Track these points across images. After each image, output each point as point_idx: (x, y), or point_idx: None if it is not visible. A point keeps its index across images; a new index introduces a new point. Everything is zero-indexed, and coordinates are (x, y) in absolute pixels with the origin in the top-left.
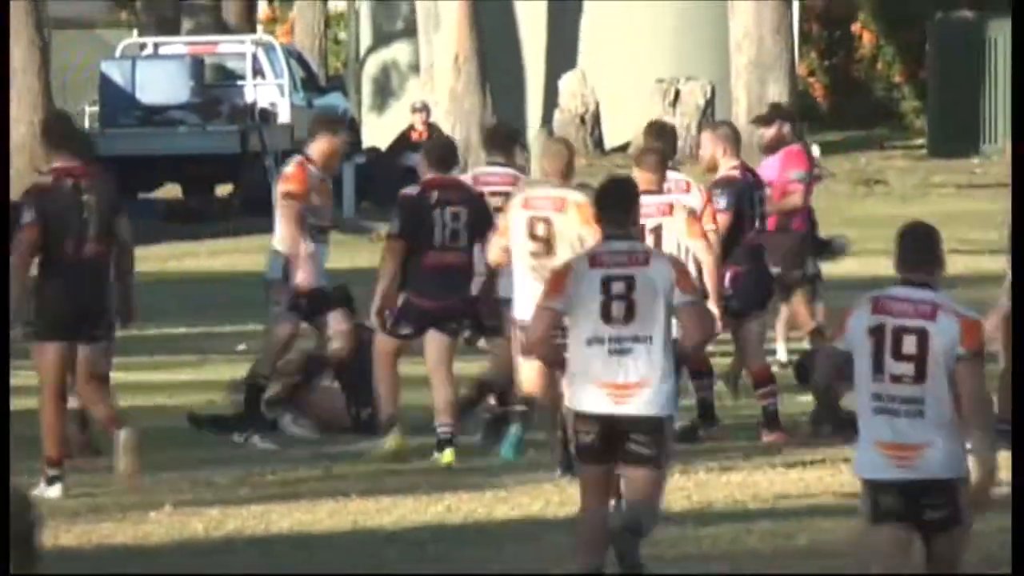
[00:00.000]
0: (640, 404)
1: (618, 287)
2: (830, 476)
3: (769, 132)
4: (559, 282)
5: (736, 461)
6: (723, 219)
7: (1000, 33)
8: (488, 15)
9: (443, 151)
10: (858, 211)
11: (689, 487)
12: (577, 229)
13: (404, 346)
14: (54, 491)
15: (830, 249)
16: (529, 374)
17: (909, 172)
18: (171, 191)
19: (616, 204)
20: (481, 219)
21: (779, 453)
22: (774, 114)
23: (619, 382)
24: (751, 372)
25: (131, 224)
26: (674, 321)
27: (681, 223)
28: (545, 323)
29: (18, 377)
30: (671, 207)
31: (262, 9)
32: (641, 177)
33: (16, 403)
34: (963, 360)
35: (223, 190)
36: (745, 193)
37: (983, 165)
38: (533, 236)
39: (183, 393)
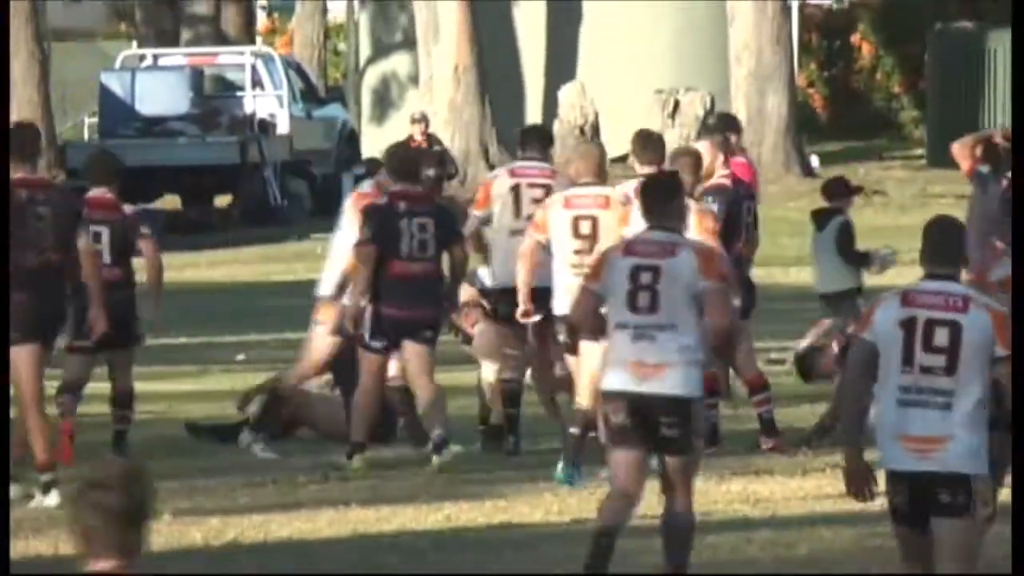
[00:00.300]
0: (664, 384)
1: (645, 277)
2: (830, 485)
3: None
4: (597, 267)
5: (735, 470)
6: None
7: (999, 44)
8: (487, 26)
9: (405, 162)
10: (857, 221)
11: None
12: (617, 227)
13: (386, 362)
14: (52, 498)
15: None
16: (585, 380)
17: (908, 182)
18: (170, 202)
19: (659, 198)
20: (448, 230)
21: (778, 462)
22: (721, 125)
23: (642, 361)
24: (745, 381)
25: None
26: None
27: (693, 223)
28: (585, 302)
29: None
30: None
31: (261, 20)
32: None
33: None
34: (1004, 361)
35: (222, 201)
36: (735, 202)
37: None
38: (578, 234)
39: (183, 403)
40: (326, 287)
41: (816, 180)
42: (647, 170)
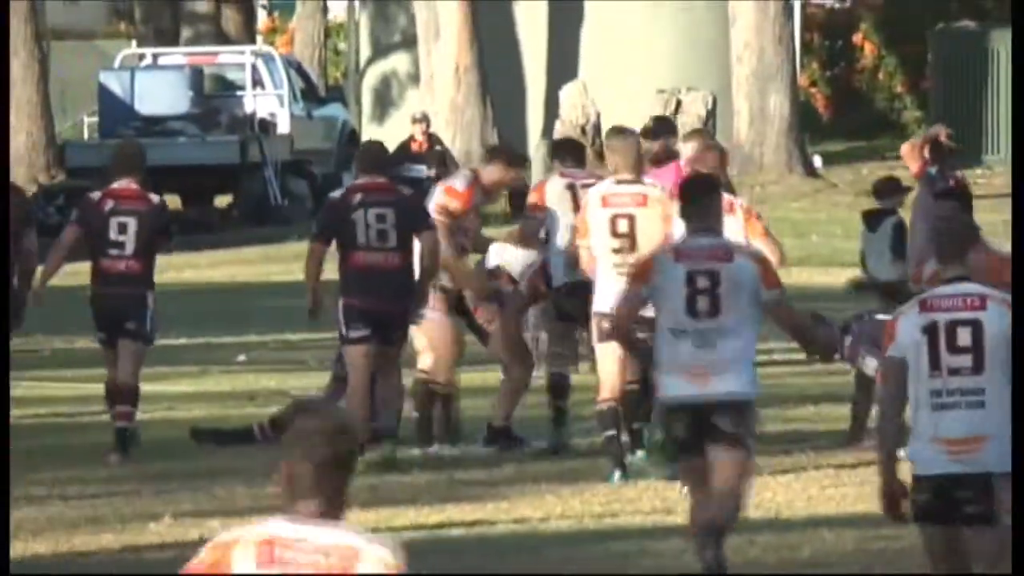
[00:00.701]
0: (721, 385)
1: (703, 282)
2: (833, 487)
3: (656, 146)
4: (644, 271)
5: None
6: None
7: (1002, 44)
8: (488, 25)
9: (373, 156)
10: (859, 221)
11: None
12: (659, 224)
13: (370, 352)
14: None
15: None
16: (607, 361)
17: (911, 182)
18: (170, 202)
19: (698, 199)
20: (412, 218)
21: (781, 463)
22: (660, 128)
23: (701, 369)
24: None
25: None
26: None
27: (739, 222)
28: (630, 305)
29: (19, 388)
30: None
31: (262, 19)
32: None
33: (16, 414)
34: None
35: (222, 201)
36: None
37: (985, 176)
38: (615, 233)
39: (183, 404)
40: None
41: (818, 180)
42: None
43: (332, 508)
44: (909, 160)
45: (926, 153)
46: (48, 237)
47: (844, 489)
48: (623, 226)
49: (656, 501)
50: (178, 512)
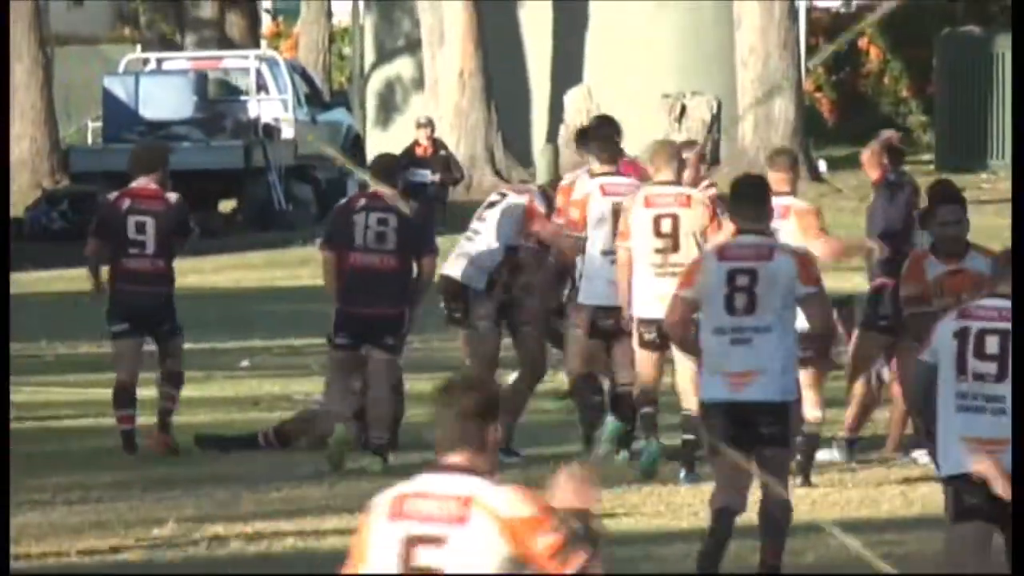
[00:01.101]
0: (759, 390)
1: (742, 280)
2: (837, 493)
3: None
4: (691, 274)
5: None
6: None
7: (1007, 48)
8: (493, 30)
9: (384, 167)
10: (864, 226)
11: (696, 504)
12: (701, 225)
13: (353, 359)
14: None
15: None
16: (645, 366)
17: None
18: None
19: (749, 201)
20: (414, 232)
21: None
22: (602, 126)
23: (739, 371)
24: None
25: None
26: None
27: (794, 224)
28: (679, 310)
29: (21, 394)
30: (787, 209)
31: (266, 24)
32: (774, 178)
33: (19, 418)
34: None
35: (227, 206)
36: None
37: (991, 180)
38: (659, 233)
39: (187, 409)
40: (479, 280)
41: (823, 185)
42: (606, 169)
43: (479, 460)
44: (870, 168)
45: (885, 160)
46: (51, 243)
47: (847, 494)
48: (666, 226)
49: (660, 506)
50: (182, 517)
